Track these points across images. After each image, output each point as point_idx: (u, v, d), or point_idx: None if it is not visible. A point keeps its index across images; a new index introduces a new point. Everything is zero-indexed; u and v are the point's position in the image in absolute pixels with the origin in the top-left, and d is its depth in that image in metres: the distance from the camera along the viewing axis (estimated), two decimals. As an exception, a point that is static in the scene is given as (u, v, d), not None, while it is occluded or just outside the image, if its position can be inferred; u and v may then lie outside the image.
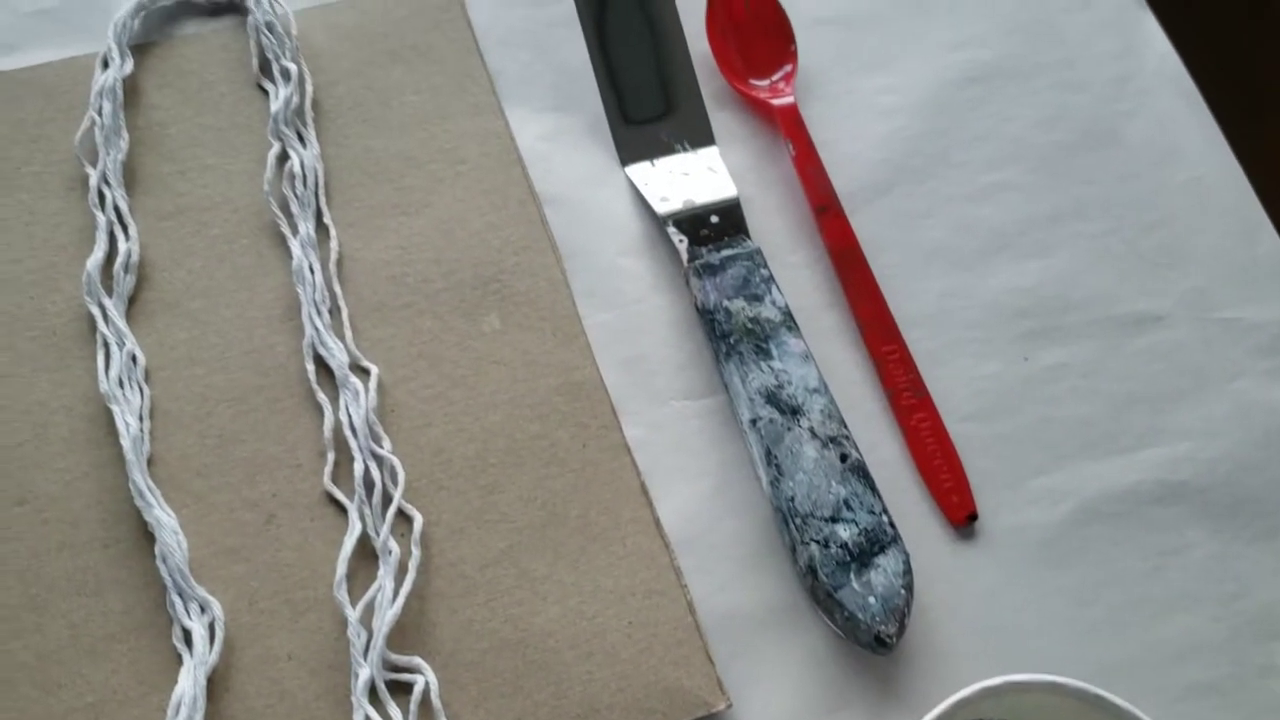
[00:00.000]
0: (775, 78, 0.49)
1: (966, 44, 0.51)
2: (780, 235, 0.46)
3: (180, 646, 0.38)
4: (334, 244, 0.45)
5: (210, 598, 0.38)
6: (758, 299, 0.43)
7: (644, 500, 0.41)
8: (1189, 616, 0.40)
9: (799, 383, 0.41)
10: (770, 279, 0.43)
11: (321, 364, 0.43)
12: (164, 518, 0.39)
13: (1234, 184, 0.48)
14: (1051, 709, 0.33)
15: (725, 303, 0.43)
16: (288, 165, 0.46)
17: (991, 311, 0.45)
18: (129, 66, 0.48)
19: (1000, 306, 0.45)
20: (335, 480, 0.41)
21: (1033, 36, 0.51)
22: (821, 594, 0.38)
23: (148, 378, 0.42)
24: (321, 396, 0.42)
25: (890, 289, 0.45)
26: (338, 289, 0.44)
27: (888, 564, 0.38)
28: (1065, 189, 0.48)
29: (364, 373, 0.43)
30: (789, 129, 0.47)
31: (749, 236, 0.45)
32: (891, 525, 0.39)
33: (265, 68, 0.49)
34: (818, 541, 0.38)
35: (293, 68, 0.48)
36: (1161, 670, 0.39)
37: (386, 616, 0.38)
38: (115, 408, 0.41)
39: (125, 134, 0.46)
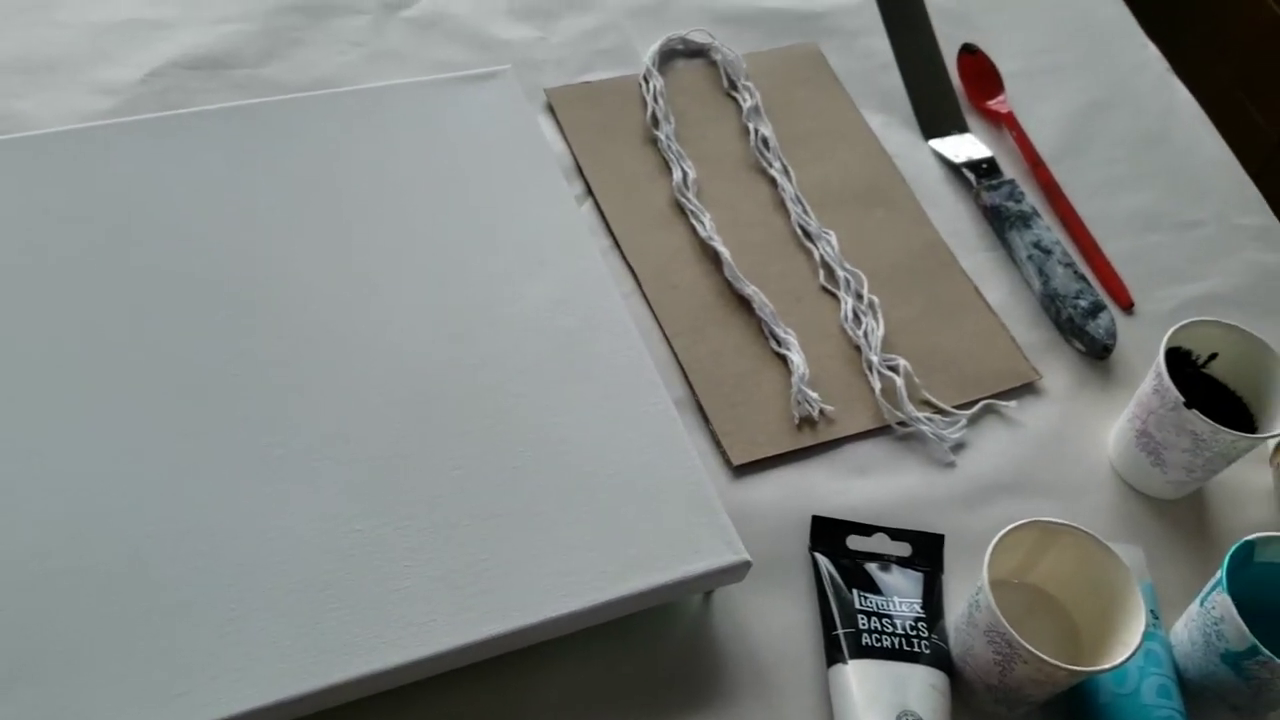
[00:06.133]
0: (996, 100, 0.92)
1: (1096, 99, 0.95)
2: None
3: (776, 349, 0.76)
4: (792, 175, 0.85)
5: (788, 328, 0.77)
6: (1018, 201, 0.85)
7: (978, 294, 0.82)
8: None
9: (1047, 239, 0.83)
10: (1023, 193, 0.85)
11: (803, 229, 0.83)
12: (755, 290, 0.78)
13: None
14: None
15: (1004, 203, 0.85)
16: (758, 134, 0.86)
17: (1109, 211, 0.88)
18: (661, 81, 0.88)
19: (1114, 210, 0.88)
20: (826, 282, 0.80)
21: (1137, 95, 0.96)
22: (1077, 330, 0.79)
23: (717, 234, 0.81)
24: (807, 244, 0.82)
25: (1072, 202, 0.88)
26: (804, 200, 0.84)
27: (1104, 316, 0.80)
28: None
29: (828, 232, 0.83)
30: (1011, 124, 0.90)
31: (1002, 174, 0.87)
32: (1102, 301, 0.81)
33: (732, 85, 0.89)
34: (1073, 307, 0.80)
35: (750, 85, 0.88)
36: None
37: (878, 334, 0.77)
38: (716, 246, 0.80)
39: (670, 116, 0.86)
